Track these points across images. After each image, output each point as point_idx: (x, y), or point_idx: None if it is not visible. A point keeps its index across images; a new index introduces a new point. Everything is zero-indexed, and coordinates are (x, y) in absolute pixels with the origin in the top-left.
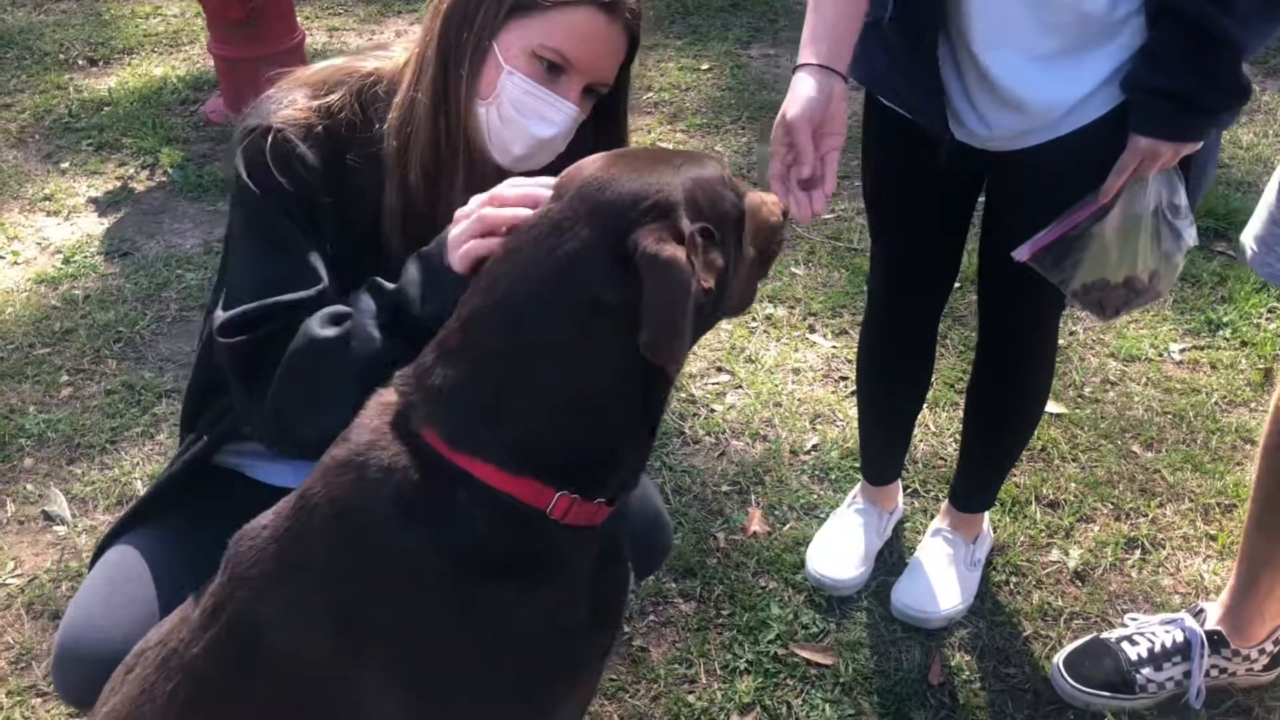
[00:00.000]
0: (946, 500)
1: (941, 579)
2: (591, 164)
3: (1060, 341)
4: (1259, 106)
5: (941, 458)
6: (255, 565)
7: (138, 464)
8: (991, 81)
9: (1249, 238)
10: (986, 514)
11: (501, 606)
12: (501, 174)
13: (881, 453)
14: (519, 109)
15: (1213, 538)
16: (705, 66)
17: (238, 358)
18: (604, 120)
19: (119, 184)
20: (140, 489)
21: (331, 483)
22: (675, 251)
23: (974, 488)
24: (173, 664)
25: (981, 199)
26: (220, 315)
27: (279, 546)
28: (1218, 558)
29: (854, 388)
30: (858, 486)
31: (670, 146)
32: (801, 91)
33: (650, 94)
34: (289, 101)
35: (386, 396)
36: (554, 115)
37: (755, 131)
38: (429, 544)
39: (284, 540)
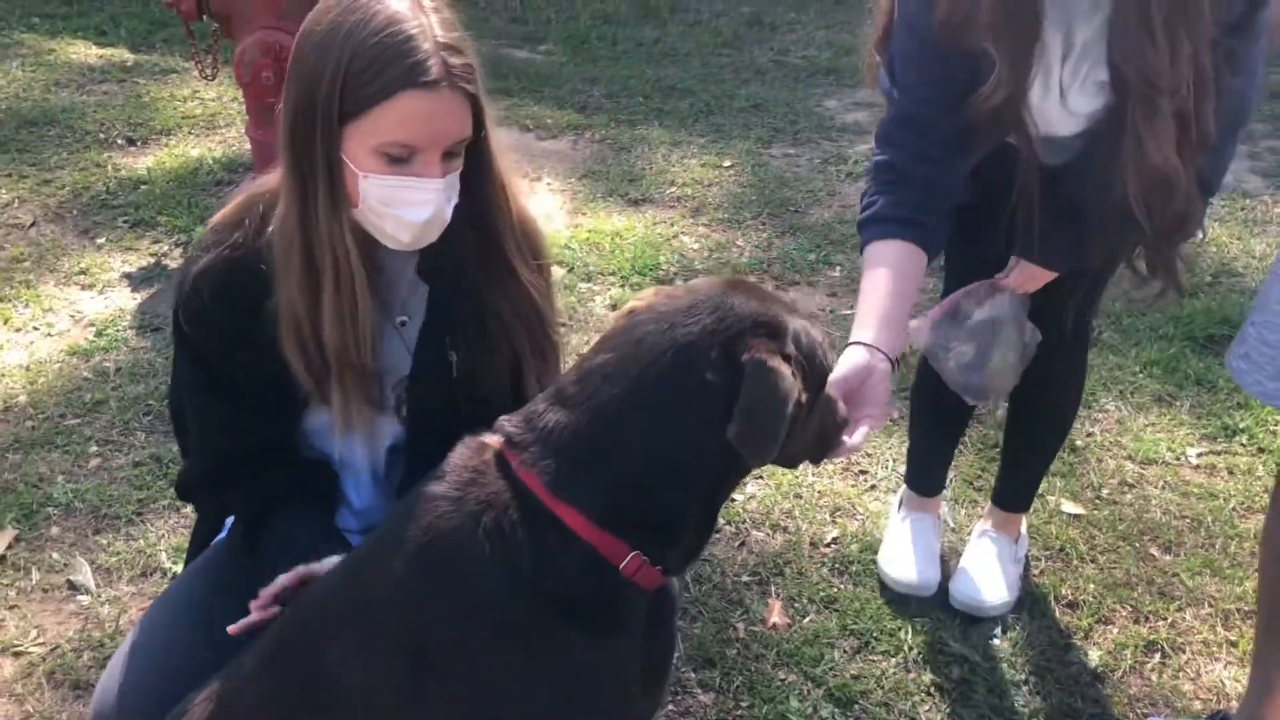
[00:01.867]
0: (989, 506)
1: (993, 573)
2: (728, 280)
3: (1078, 443)
4: (1271, 218)
5: (958, 552)
6: (324, 605)
7: (163, 536)
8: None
9: (1235, 357)
10: (1024, 517)
11: (573, 650)
12: (372, 280)
13: (930, 466)
14: (387, 203)
15: (1233, 643)
16: (727, 164)
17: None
18: (471, 156)
19: (153, 260)
20: (165, 561)
21: (425, 516)
22: (781, 364)
23: (1015, 488)
24: (227, 715)
25: None
26: (184, 475)
27: (354, 583)
28: (1239, 664)
29: (872, 483)
30: (897, 502)
31: (694, 242)
32: (845, 360)
33: (674, 189)
34: (209, 244)
35: (482, 438)
36: (421, 197)
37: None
38: (516, 581)
39: (360, 577)
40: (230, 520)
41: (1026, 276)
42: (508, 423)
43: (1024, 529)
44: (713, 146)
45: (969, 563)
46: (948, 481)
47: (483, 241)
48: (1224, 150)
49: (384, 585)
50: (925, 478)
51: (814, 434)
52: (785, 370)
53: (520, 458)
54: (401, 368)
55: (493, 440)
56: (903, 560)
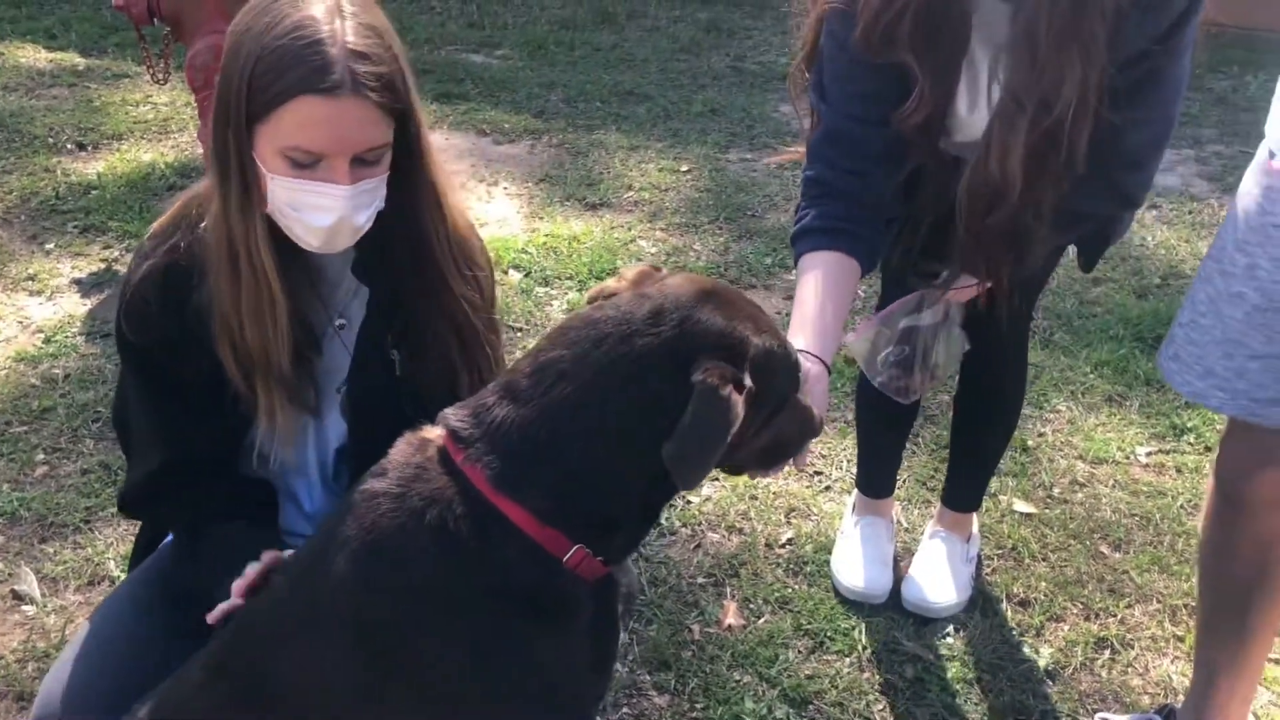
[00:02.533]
0: (939, 507)
1: (943, 575)
2: (703, 285)
3: (1029, 442)
4: (1217, 220)
5: (911, 551)
6: (272, 610)
7: (111, 544)
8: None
9: (1165, 358)
10: (975, 516)
11: (523, 641)
12: (308, 281)
13: (879, 469)
14: (294, 206)
15: (1180, 639)
16: (684, 168)
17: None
18: (403, 156)
19: (103, 266)
20: (113, 569)
21: (367, 514)
22: (729, 392)
23: (963, 488)
24: None
25: None
26: (125, 490)
27: (300, 586)
28: (1185, 659)
29: (827, 484)
30: (850, 506)
31: (651, 246)
32: None
33: (631, 193)
34: (148, 250)
35: (425, 433)
36: (327, 202)
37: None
38: (463, 576)
39: (306, 579)
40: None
41: (960, 284)
42: (452, 416)
43: (975, 528)
44: (670, 151)
45: (920, 564)
46: (898, 483)
47: (414, 251)
48: (1145, 171)
49: (331, 587)
50: (875, 481)
51: (765, 446)
52: (732, 400)
53: (465, 453)
54: (344, 370)
55: (435, 434)
56: (854, 566)
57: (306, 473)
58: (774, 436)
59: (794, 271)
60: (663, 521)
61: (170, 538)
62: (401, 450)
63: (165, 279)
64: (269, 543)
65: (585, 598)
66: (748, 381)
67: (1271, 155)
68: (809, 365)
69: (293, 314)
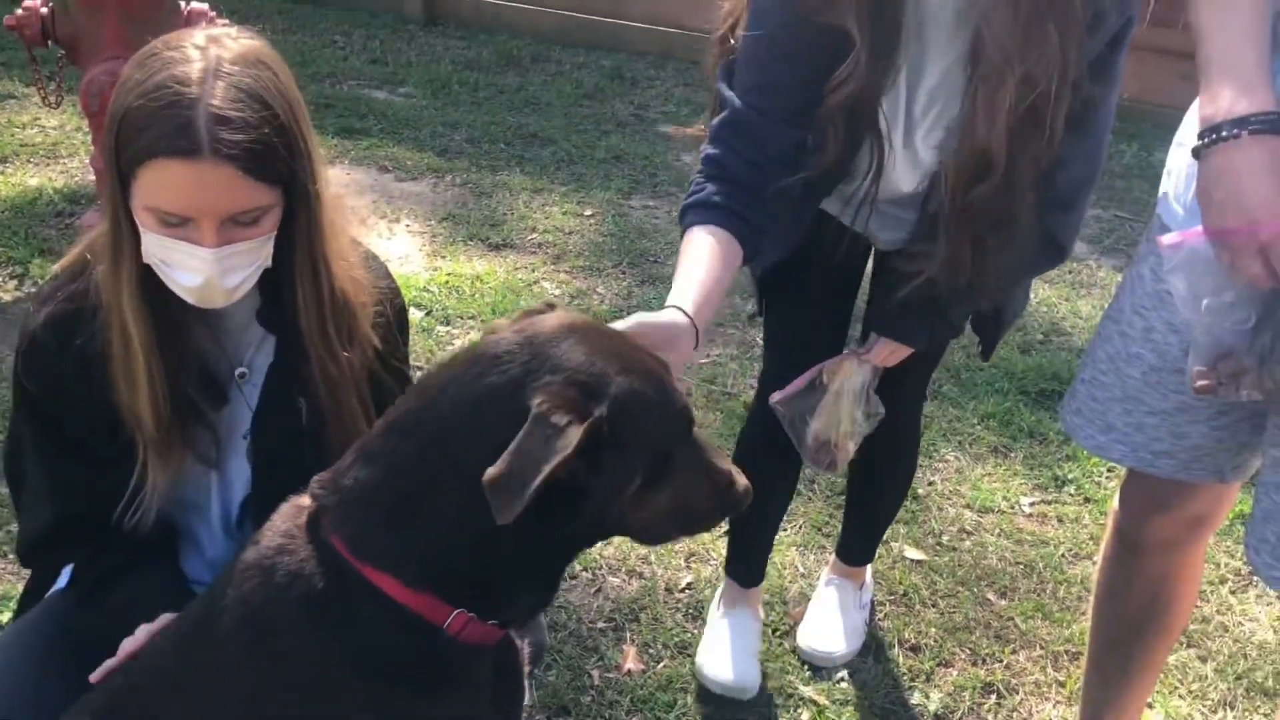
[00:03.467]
0: (833, 558)
1: (836, 623)
2: (571, 321)
3: (920, 491)
4: (1095, 281)
5: (784, 601)
6: (157, 670)
7: None
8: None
9: (1068, 413)
10: (868, 567)
11: (410, 714)
12: (208, 330)
13: (750, 550)
14: (165, 263)
15: (1061, 684)
16: (588, 213)
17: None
18: (297, 205)
19: None
20: None
21: (240, 586)
22: (564, 420)
23: (857, 546)
24: None
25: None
26: (22, 542)
27: (184, 651)
28: (1066, 703)
29: (726, 528)
30: (717, 598)
31: (555, 288)
32: (665, 315)
33: (535, 235)
34: (46, 294)
35: (301, 500)
36: (193, 263)
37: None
38: (336, 650)
39: (189, 645)
40: (67, 571)
41: (889, 352)
42: (315, 482)
43: (869, 575)
44: (574, 195)
45: (814, 612)
46: (795, 528)
47: (309, 302)
48: (1076, 212)
49: (210, 658)
50: (745, 566)
51: (670, 509)
52: (563, 428)
53: (327, 519)
54: (247, 419)
55: (307, 501)
56: (721, 659)
57: (208, 520)
58: (677, 499)
59: (682, 246)
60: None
61: (63, 581)
62: (278, 517)
63: (59, 325)
64: (175, 591)
65: (476, 663)
66: (597, 412)
67: (1161, 224)
68: (687, 329)
69: (196, 366)
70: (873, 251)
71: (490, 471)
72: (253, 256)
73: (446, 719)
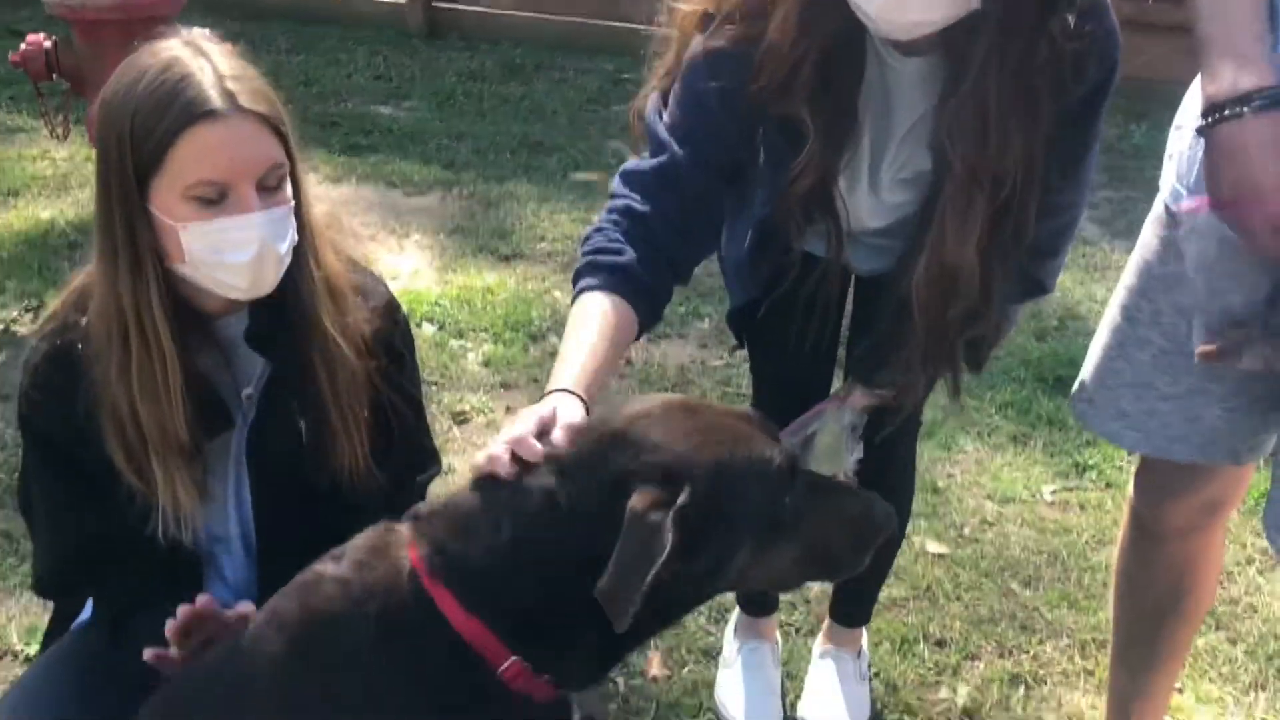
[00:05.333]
0: (827, 621)
1: (838, 698)
2: (649, 409)
3: (939, 483)
4: (1109, 264)
5: (807, 600)
6: (209, 678)
7: (14, 616)
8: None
9: (1078, 401)
10: (864, 629)
11: None
12: (187, 364)
13: None
14: (214, 250)
15: (1090, 672)
16: (596, 219)
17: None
18: (296, 177)
19: (1, 328)
20: (16, 643)
21: (309, 596)
22: (659, 521)
23: (853, 604)
24: None
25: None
26: (37, 576)
27: (238, 659)
28: (1095, 692)
29: None
30: (731, 629)
31: (566, 298)
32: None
33: (544, 244)
34: (45, 333)
35: (393, 524)
36: (245, 235)
37: None
38: (398, 672)
39: (244, 653)
40: (90, 604)
41: (866, 394)
42: (424, 505)
43: (865, 643)
44: (581, 203)
45: (812, 690)
46: (779, 598)
47: (298, 303)
48: (1059, 258)
49: (264, 665)
50: (756, 596)
51: (799, 558)
52: (657, 525)
53: (417, 535)
54: None
55: (401, 525)
56: (737, 700)
57: (228, 544)
58: (802, 551)
59: (574, 309)
60: None
61: (88, 612)
62: (364, 536)
63: (54, 366)
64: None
65: (521, 713)
66: (681, 499)
67: (1166, 208)
68: (564, 400)
69: (201, 388)
70: (854, 280)
71: (601, 585)
72: (287, 225)
73: None
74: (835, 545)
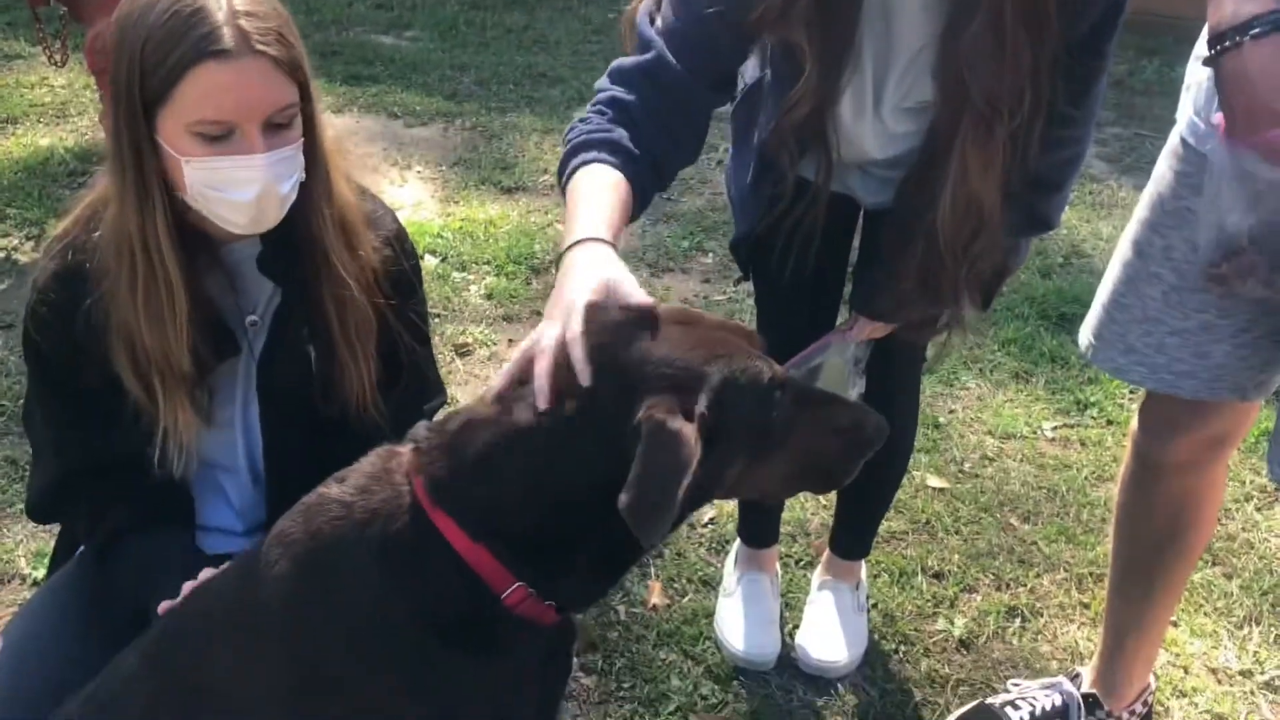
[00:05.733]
0: (826, 553)
1: (837, 629)
2: (660, 313)
3: (941, 419)
4: (1116, 201)
5: (807, 533)
6: (210, 608)
7: (21, 541)
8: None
9: (1088, 335)
10: (863, 562)
11: (454, 674)
12: (217, 279)
13: (760, 514)
14: (213, 186)
15: (1086, 605)
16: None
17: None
18: (310, 114)
19: (2, 255)
20: (24, 567)
21: (311, 521)
22: (683, 427)
23: (853, 537)
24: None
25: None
26: (31, 496)
27: (241, 586)
28: (1091, 625)
29: None
30: (732, 560)
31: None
32: (612, 264)
33: (546, 176)
34: (53, 253)
35: (396, 447)
36: (248, 175)
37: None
38: (398, 595)
39: (248, 580)
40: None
41: (874, 327)
42: (424, 427)
43: (864, 575)
44: None
45: (811, 622)
46: (779, 530)
47: (307, 234)
48: (1064, 191)
49: (271, 589)
50: (757, 527)
51: (794, 472)
52: (683, 434)
53: (420, 463)
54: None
55: (403, 448)
56: (736, 629)
57: (235, 470)
58: (792, 463)
59: (574, 181)
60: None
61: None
62: (368, 459)
63: (63, 284)
64: (186, 560)
65: (526, 640)
66: (700, 407)
67: (1183, 140)
68: (601, 249)
69: (208, 314)
70: (861, 213)
71: (624, 499)
72: (293, 164)
73: (483, 684)
74: (826, 456)
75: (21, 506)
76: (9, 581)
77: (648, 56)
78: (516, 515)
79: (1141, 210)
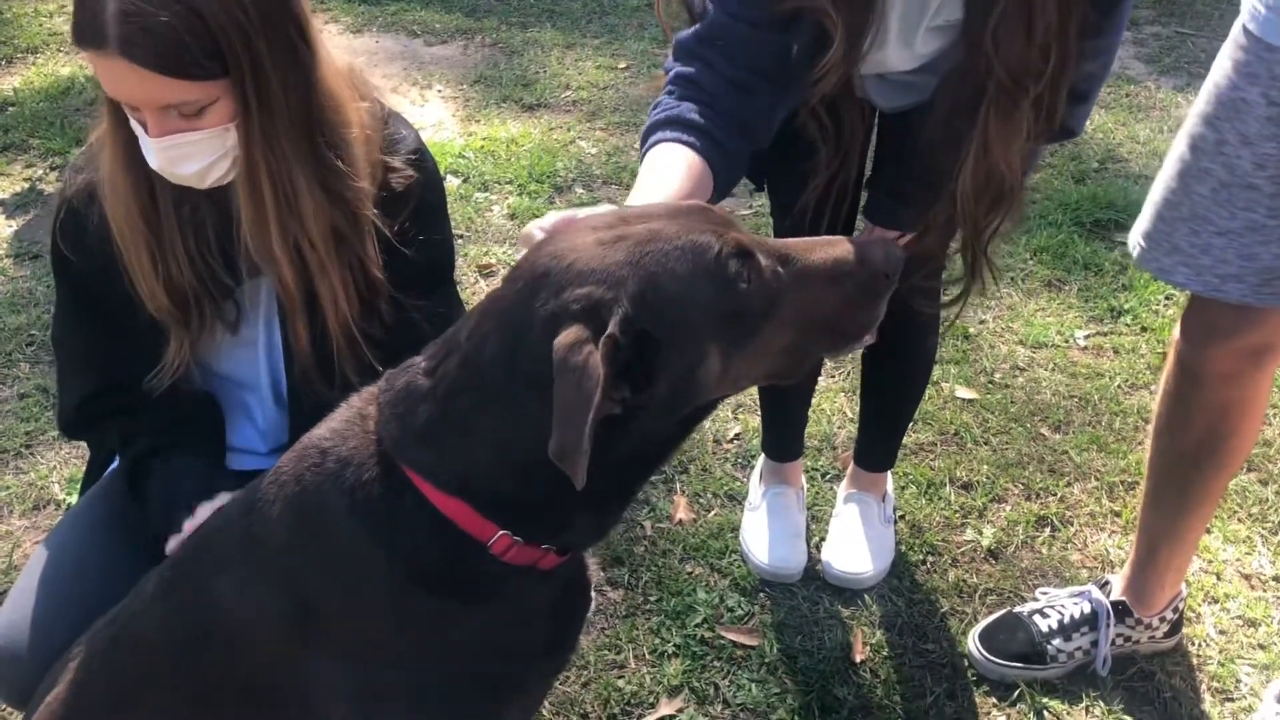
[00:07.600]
0: (851, 465)
1: (863, 540)
2: (572, 239)
3: (971, 330)
4: (1154, 103)
5: (833, 446)
6: (220, 538)
7: (54, 468)
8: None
9: (1136, 236)
10: (889, 473)
11: (438, 619)
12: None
13: (784, 429)
14: (143, 148)
15: (1117, 514)
16: (622, 65)
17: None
18: (265, 95)
19: (27, 185)
20: (58, 493)
21: (301, 464)
22: (584, 358)
23: (877, 449)
24: (124, 641)
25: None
26: (62, 411)
27: (245, 521)
28: (1122, 533)
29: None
30: (757, 474)
31: (591, 147)
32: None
33: (568, 93)
34: (81, 165)
35: (373, 389)
36: (149, 154)
37: None
38: (374, 543)
39: (250, 516)
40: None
41: (890, 237)
42: (389, 375)
43: (890, 487)
44: (607, 48)
45: (837, 533)
46: (803, 443)
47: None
48: (1089, 102)
49: (267, 528)
50: (780, 442)
51: (792, 340)
52: (585, 362)
53: (382, 413)
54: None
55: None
56: (762, 542)
57: (258, 389)
58: (790, 332)
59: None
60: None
61: (117, 463)
62: (350, 401)
63: (84, 201)
64: (214, 481)
65: (524, 584)
66: (611, 328)
67: (1245, 29)
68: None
69: (208, 238)
70: (878, 116)
71: (550, 445)
72: (208, 148)
73: (477, 633)
74: (831, 310)
75: (54, 434)
76: (44, 507)
77: (699, 26)
78: (475, 466)
79: (1200, 103)
